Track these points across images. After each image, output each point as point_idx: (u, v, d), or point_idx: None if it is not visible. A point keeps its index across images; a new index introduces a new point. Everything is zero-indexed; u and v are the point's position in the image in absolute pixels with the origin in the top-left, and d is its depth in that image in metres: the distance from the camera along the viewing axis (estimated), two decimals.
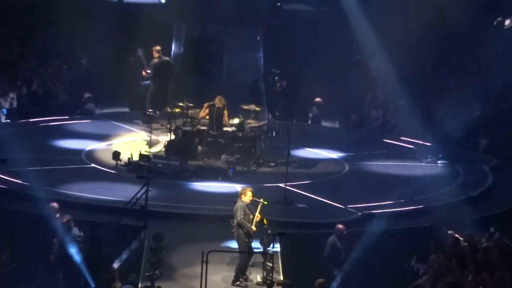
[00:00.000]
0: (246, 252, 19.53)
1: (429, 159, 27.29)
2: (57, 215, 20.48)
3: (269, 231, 19.88)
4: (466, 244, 20.76)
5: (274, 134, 26.10)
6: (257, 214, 19.59)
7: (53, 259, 19.97)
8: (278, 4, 35.91)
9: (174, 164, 24.68)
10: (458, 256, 20.02)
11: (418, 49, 33.63)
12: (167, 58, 29.55)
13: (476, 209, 23.79)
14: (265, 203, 19.84)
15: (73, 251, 19.53)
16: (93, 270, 18.73)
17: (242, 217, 19.42)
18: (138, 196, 21.40)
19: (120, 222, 21.12)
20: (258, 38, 34.79)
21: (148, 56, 30.10)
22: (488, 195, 24.88)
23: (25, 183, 23.17)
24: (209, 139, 25.59)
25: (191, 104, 26.67)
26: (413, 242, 21.31)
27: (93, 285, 18.24)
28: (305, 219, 22.35)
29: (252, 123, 26.18)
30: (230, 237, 19.72)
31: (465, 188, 25.11)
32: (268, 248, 19.66)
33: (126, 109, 31.42)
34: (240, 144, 25.50)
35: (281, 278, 19.42)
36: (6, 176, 23.70)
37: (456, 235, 21.00)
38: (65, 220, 20.39)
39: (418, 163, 27.25)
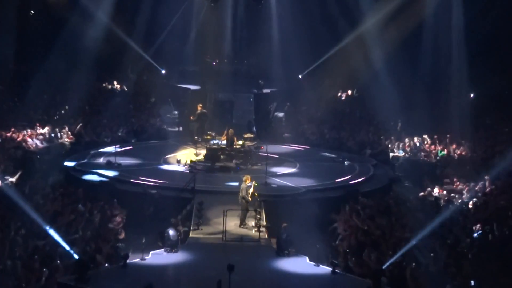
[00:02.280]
0: (245, 210, 19.57)
1: (341, 160, 27.13)
2: (148, 191, 20.56)
3: (258, 199, 19.93)
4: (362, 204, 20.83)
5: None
6: (252, 190, 19.62)
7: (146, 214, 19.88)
8: (261, 82, 35.66)
9: (208, 165, 24.66)
10: (357, 212, 20.09)
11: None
12: (204, 110, 29.56)
13: (365, 185, 23.84)
14: (256, 184, 19.89)
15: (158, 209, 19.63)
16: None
17: (244, 192, 19.48)
18: (190, 181, 21.49)
19: (181, 195, 21.20)
20: (251, 99, 34.67)
21: (194, 109, 30.02)
22: (371, 179, 24.75)
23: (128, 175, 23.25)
24: (226, 151, 25.55)
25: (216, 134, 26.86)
26: (333, 204, 21.24)
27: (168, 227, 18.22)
28: (276, 192, 22.12)
29: (248, 143, 26.19)
30: (237, 203, 19.69)
31: (360, 175, 24.95)
32: (258, 208, 19.71)
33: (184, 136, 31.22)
34: (242, 154, 25.49)
35: (265, 223, 19.43)
36: (117, 170, 23.82)
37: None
38: (154, 192, 20.47)
39: (336, 162, 27.03)
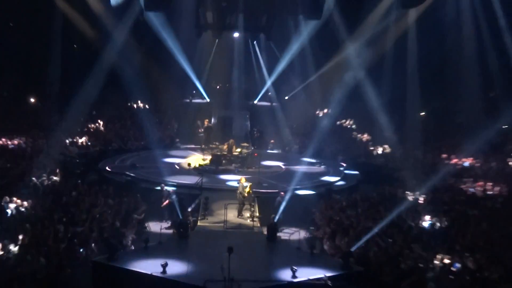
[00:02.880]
0: (241, 204, 19.59)
1: (318, 165, 27.19)
2: (164, 188, 20.47)
3: (252, 195, 19.96)
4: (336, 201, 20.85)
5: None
6: (247, 188, 19.68)
7: (163, 206, 19.88)
8: (255, 102, 35.59)
9: (213, 168, 24.64)
10: (330, 206, 20.11)
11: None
12: (210, 124, 29.52)
13: (337, 185, 23.86)
14: (250, 184, 19.92)
15: (172, 203, 19.53)
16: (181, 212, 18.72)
17: (241, 190, 19.52)
18: (198, 181, 21.45)
19: (191, 192, 21.16)
20: (247, 115, 34.66)
21: (201, 123, 29.86)
22: (342, 179, 24.76)
23: (149, 175, 23.11)
24: (227, 157, 25.57)
25: (219, 143, 26.80)
26: (313, 200, 21.22)
27: (180, 217, 18.16)
28: (266, 189, 22.01)
29: (245, 151, 26.21)
30: (235, 198, 19.70)
31: (333, 176, 24.97)
32: (252, 202, 19.73)
33: (193, 145, 31.10)
34: (240, 159, 25.50)
35: (257, 214, 19.46)
36: (140, 172, 23.60)
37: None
38: (170, 190, 20.39)
39: (314, 166, 27.05)
